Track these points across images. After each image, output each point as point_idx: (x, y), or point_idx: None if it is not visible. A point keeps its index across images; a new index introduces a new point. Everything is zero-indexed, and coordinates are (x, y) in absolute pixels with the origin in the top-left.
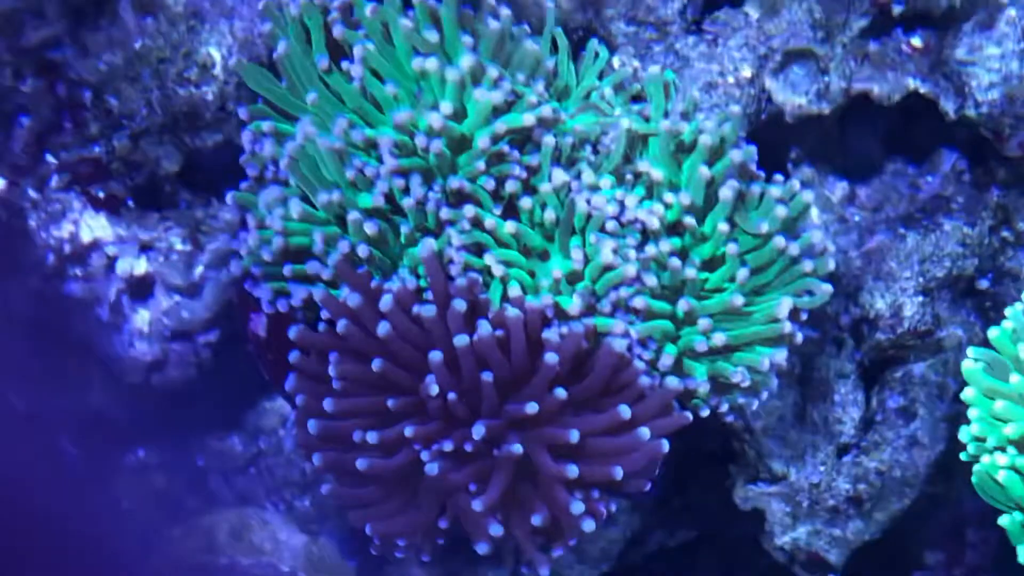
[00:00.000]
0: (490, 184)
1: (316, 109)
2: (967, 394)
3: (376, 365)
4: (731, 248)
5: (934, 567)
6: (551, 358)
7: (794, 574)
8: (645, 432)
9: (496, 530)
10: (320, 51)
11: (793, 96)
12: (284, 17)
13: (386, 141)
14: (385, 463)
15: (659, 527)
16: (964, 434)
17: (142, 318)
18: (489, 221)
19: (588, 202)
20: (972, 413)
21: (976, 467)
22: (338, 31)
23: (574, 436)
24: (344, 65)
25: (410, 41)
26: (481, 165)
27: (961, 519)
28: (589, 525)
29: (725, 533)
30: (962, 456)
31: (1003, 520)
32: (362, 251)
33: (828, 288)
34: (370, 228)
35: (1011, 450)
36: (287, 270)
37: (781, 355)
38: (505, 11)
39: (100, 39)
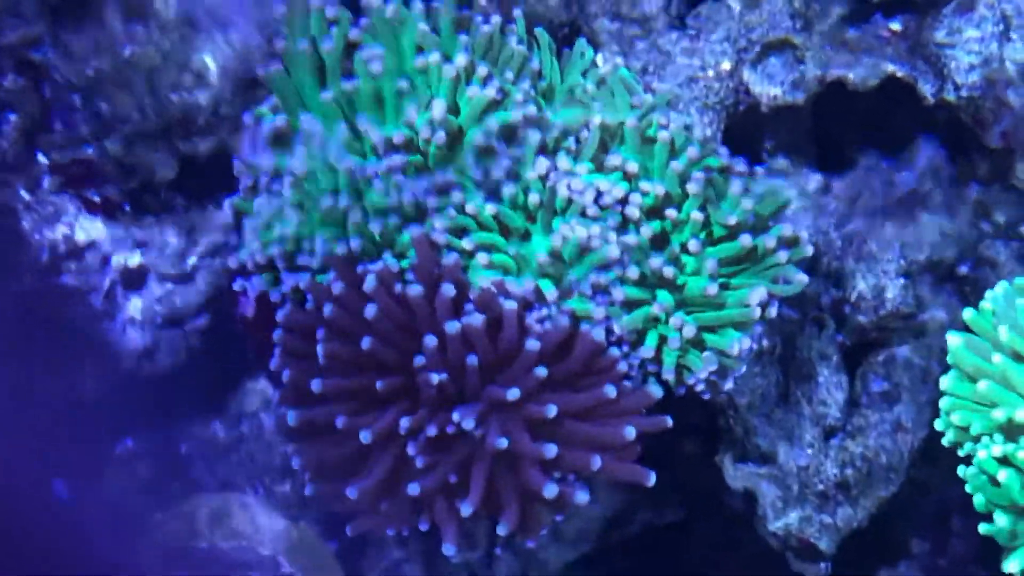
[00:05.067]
0: (478, 175)
1: (325, 110)
2: (944, 383)
3: (365, 344)
4: (692, 244)
5: (920, 556)
6: (532, 345)
7: (787, 561)
8: (631, 431)
9: (449, 549)
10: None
11: (769, 87)
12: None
13: (399, 137)
14: (368, 482)
15: (645, 505)
16: (941, 422)
17: (135, 306)
18: (471, 205)
19: (568, 187)
20: (944, 403)
21: (970, 470)
22: (355, 33)
23: (552, 411)
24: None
25: (420, 41)
26: (471, 159)
27: (945, 507)
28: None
29: (716, 513)
30: (944, 442)
31: (986, 527)
32: (355, 244)
33: (804, 278)
34: (375, 227)
35: (998, 437)
36: (279, 263)
37: (747, 342)
38: (496, 17)
39: (84, 43)
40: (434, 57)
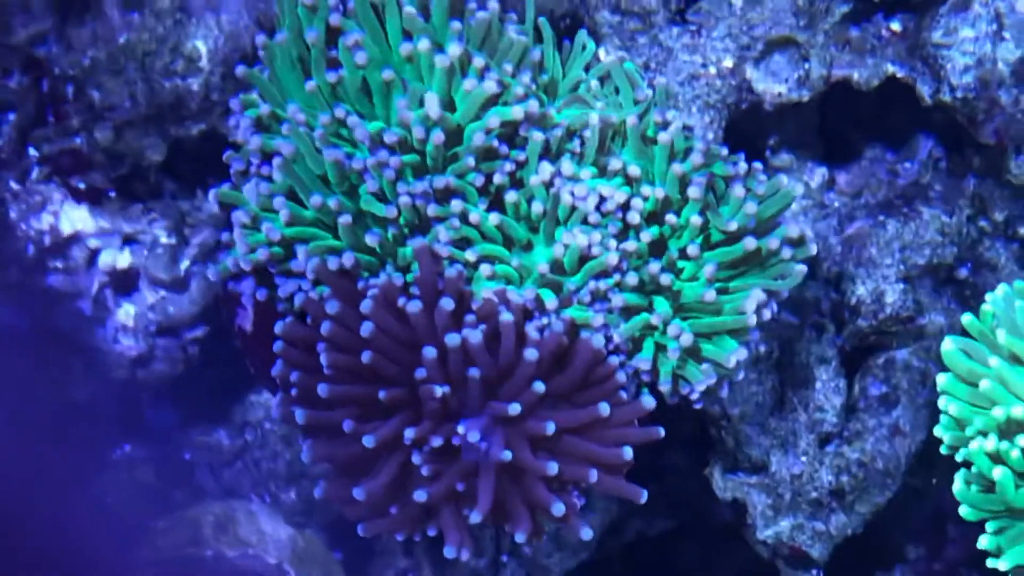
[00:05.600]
0: (479, 180)
1: (308, 101)
2: (941, 381)
3: (365, 358)
4: (691, 249)
5: (915, 561)
6: (531, 355)
7: (777, 569)
8: (628, 451)
9: (464, 555)
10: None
11: (773, 84)
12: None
13: (391, 136)
14: (375, 483)
15: (637, 515)
16: (940, 429)
17: (126, 312)
18: (474, 215)
19: (572, 194)
20: (943, 402)
21: (958, 477)
22: (335, 19)
23: (551, 428)
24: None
25: (407, 25)
26: (471, 161)
27: (941, 512)
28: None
29: (706, 523)
30: (942, 449)
31: (985, 540)
32: (348, 260)
33: (803, 268)
34: (371, 240)
35: (992, 437)
36: (271, 268)
37: (743, 352)
38: (493, 2)
39: (85, 34)
40: (423, 44)
